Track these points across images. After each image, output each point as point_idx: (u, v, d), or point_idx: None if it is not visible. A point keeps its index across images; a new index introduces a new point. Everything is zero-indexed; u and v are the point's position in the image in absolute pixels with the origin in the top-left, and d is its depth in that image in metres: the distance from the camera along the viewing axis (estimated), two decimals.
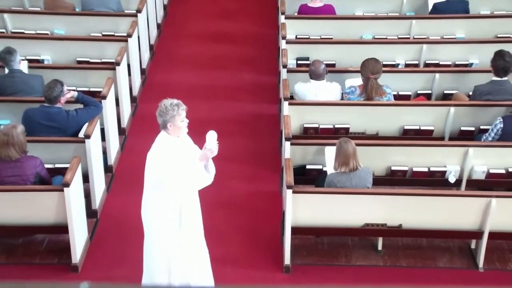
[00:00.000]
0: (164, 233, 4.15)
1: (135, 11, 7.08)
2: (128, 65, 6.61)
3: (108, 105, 5.73)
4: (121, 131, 6.31)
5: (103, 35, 6.96)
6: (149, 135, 6.48)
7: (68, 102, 5.33)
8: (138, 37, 7.05)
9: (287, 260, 4.87)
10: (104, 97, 5.64)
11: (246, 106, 6.93)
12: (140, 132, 6.49)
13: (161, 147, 4.09)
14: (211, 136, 4.11)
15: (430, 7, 7.28)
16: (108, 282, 4.54)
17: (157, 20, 8.29)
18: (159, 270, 4.24)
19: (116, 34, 6.94)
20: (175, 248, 4.18)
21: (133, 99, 6.83)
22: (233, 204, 5.60)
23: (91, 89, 6.10)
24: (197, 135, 6.49)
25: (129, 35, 6.62)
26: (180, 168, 4.04)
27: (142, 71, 7.35)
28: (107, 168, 5.81)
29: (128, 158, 6.12)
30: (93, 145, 5.24)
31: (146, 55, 7.51)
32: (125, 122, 6.45)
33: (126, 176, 5.87)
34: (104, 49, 6.60)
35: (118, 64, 6.16)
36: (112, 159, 5.93)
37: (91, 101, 5.36)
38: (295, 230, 4.81)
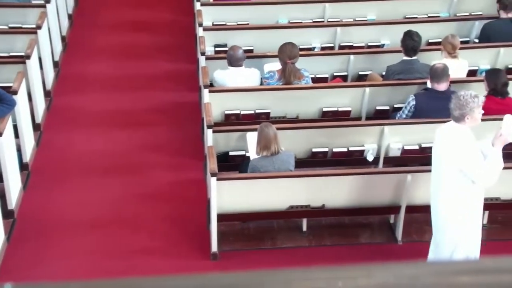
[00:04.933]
0: (460, 216, 4.12)
1: (43, 2, 6.81)
2: (40, 58, 6.37)
3: (20, 100, 5.51)
4: (35, 126, 6.09)
5: (9, 27, 6.66)
6: (65, 129, 6.29)
7: None
8: (49, 28, 6.80)
9: (214, 247, 4.88)
10: (15, 92, 5.41)
11: (166, 95, 6.85)
12: (56, 126, 6.29)
13: (468, 139, 4.01)
14: (509, 120, 4.05)
15: None
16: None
17: (68, 10, 8.02)
18: (446, 246, 4.21)
19: (24, 26, 6.66)
20: (465, 227, 4.15)
21: (46, 93, 6.59)
22: (157, 194, 5.55)
23: (1, 85, 5.84)
24: (118, 127, 6.42)
25: (38, 27, 6.36)
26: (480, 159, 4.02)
27: (55, 64, 7.10)
28: (23, 166, 5.60)
29: (44, 154, 5.92)
30: (6, 143, 5.03)
31: (58, 47, 7.26)
32: (39, 117, 6.23)
33: (43, 173, 5.69)
34: (12, 42, 6.33)
35: (28, 57, 5.92)
36: (28, 156, 5.72)
37: (5, 98, 5.14)
38: (221, 217, 4.83)
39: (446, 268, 0.69)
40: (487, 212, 5.10)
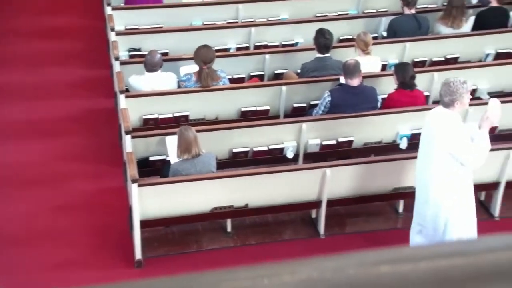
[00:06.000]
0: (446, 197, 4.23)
1: None
2: None
3: None
4: None
5: None
6: None
7: None
8: None
9: (138, 254, 4.80)
10: None
11: (82, 103, 6.67)
12: None
13: (457, 123, 4.13)
14: (494, 103, 4.15)
15: None
16: None
17: None
18: (439, 230, 4.30)
19: None
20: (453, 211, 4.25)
21: None
22: (77, 204, 5.39)
23: None
24: (33, 137, 6.17)
25: None
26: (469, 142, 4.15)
27: None
28: None
29: None
30: None
31: None
32: None
33: None
34: None
35: None
36: None
37: None
38: (144, 223, 4.76)
39: (367, 259, 0.72)
40: (402, 201, 5.30)
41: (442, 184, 4.24)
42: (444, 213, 4.30)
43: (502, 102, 5.62)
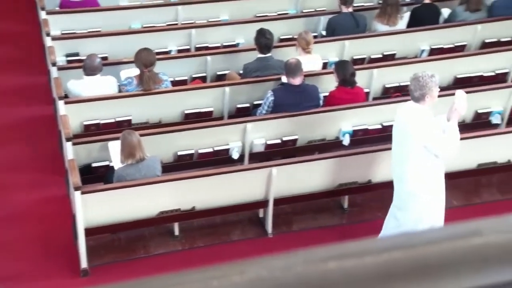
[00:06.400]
0: (424, 190, 4.35)
1: None
2: None
3: None
4: None
5: None
6: None
7: None
8: None
9: (83, 263, 4.70)
10: None
11: (19, 110, 6.47)
12: None
13: (428, 116, 4.22)
14: (460, 95, 4.28)
15: None
16: None
17: None
18: (412, 220, 4.43)
19: None
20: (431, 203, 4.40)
21: None
22: (19, 215, 5.23)
23: None
24: None
25: None
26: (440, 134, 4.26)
27: None
28: None
29: None
30: None
31: None
32: None
33: None
34: None
35: None
36: None
37: None
38: (89, 231, 4.66)
39: (314, 256, 0.72)
40: (346, 197, 5.40)
41: (417, 177, 4.37)
42: (419, 203, 4.44)
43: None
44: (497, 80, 6.08)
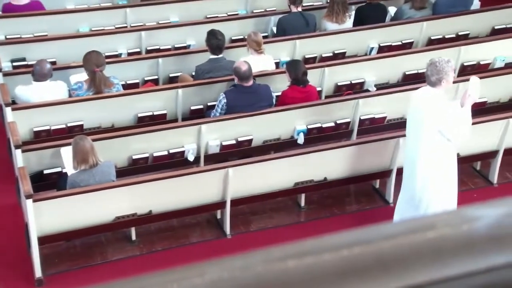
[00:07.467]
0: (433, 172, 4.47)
1: None
2: None
3: None
4: None
5: None
6: None
7: None
8: None
9: (38, 273, 4.60)
10: None
11: None
12: None
13: (443, 101, 4.34)
14: (474, 81, 4.36)
15: None
16: None
17: None
18: (424, 203, 4.51)
19: None
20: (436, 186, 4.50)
21: None
22: None
23: None
24: None
25: None
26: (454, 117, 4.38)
27: None
28: None
29: None
30: None
31: None
32: None
33: None
34: None
35: None
36: None
37: None
38: (43, 240, 4.57)
39: (273, 255, 0.73)
40: (303, 195, 5.44)
41: (430, 161, 4.49)
42: (431, 188, 4.56)
43: (388, 93, 5.93)
44: None
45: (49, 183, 5.05)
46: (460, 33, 7.10)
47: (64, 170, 4.93)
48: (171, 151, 5.37)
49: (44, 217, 4.50)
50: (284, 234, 5.14)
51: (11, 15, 6.66)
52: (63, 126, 5.44)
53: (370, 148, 5.25)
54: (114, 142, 5.17)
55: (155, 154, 5.32)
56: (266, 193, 5.17)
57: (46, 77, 5.48)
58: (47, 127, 5.41)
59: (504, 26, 7.28)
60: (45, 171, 5.05)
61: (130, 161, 5.29)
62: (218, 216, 5.31)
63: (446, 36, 7.06)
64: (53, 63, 6.16)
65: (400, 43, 6.93)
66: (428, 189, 4.59)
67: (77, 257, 4.88)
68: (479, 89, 4.54)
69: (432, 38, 7.04)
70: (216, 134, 5.47)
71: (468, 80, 4.64)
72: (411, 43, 6.99)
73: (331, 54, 6.73)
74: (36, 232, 4.50)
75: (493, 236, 0.75)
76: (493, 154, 5.57)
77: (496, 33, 7.16)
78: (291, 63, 5.79)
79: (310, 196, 5.52)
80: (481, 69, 6.55)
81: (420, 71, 6.46)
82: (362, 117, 5.77)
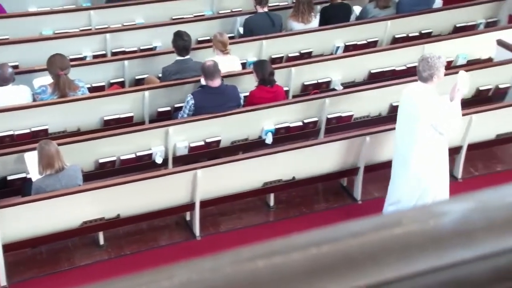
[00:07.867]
0: (426, 165, 4.53)
1: None
2: None
3: None
4: None
5: None
6: None
7: None
8: None
9: (3, 281, 4.51)
10: None
11: None
12: None
13: (435, 96, 4.42)
14: (463, 75, 4.44)
15: None
16: None
17: None
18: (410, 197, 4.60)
19: None
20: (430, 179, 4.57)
21: None
22: None
23: None
24: None
25: None
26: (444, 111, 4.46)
27: None
28: None
29: None
30: None
31: None
32: None
33: None
34: None
35: None
36: None
37: None
38: (8, 247, 4.48)
39: (242, 256, 0.73)
40: (272, 195, 5.46)
41: (423, 155, 4.56)
42: (424, 182, 4.63)
43: (356, 91, 5.99)
44: (408, 73, 6.33)
45: (13, 189, 4.96)
46: (423, 31, 7.21)
47: (28, 176, 4.84)
48: (138, 154, 5.32)
49: (9, 224, 4.42)
50: (253, 234, 5.14)
51: None
52: (27, 131, 5.35)
53: (338, 147, 5.29)
54: (80, 146, 5.10)
55: (122, 157, 5.27)
56: (235, 194, 5.17)
57: (8, 81, 5.38)
58: (11, 133, 5.30)
59: (465, 24, 7.42)
60: (9, 177, 4.96)
61: (97, 165, 5.22)
62: (187, 218, 5.29)
63: (410, 35, 7.16)
64: (16, 67, 6.05)
65: (365, 42, 7.00)
66: (421, 183, 4.67)
67: (43, 263, 4.80)
68: (468, 83, 4.65)
69: (396, 36, 7.13)
70: (184, 136, 5.44)
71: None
72: (376, 42, 7.07)
73: (297, 54, 6.76)
74: (0, 240, 4.41)
75: (459, 231, 0.76)
76: (457, 149, 5.66)
77: (458, 31, 7.30)
78: (258, 63, 5.79)
79: (278, 195, 5.54)
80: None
81: (385, 70, 6.55)
82: (329, 116, 5.81)
